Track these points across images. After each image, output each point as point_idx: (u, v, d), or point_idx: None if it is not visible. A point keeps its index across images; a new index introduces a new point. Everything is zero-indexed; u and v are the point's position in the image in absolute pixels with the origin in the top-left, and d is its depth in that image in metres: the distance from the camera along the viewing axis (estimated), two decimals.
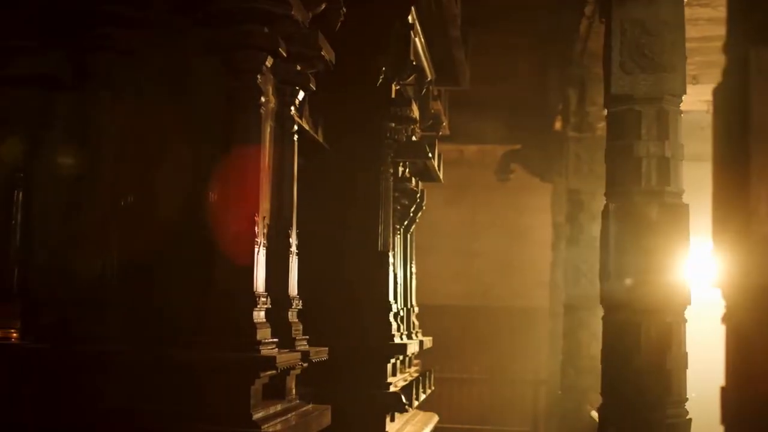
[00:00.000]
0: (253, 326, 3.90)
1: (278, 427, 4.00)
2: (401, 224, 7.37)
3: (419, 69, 6.84)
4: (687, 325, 5.02)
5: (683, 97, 5.13)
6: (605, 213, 5.12)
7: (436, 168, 7.98)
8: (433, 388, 8.16)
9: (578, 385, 10.03)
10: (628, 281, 4.90)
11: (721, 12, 8.82)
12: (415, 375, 7.50)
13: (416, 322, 8.05)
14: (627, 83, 4.97)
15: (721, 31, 9.65)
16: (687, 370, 4.99)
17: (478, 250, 17.26)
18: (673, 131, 5.00)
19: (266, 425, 3.87)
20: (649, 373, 4.85)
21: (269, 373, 3.97)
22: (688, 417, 4.98)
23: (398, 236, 7.20)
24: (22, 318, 4.47)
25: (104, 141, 4.12)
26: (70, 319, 4.05)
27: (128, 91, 4.14)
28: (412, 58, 6.59)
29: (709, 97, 10.76)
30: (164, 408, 3.87)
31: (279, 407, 4.24)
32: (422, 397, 7.27)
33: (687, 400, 4.99)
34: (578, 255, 10.12)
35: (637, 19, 5.03)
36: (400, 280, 7.12)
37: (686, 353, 4.99)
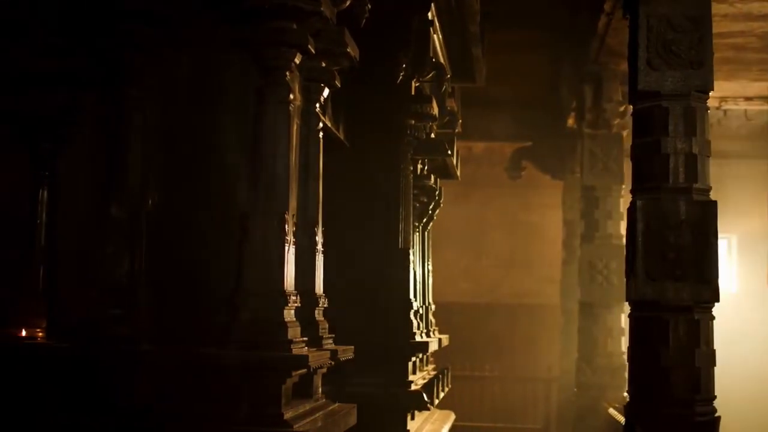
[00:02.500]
0: (284, 325, 3.87)
1: (308, 426, 3.97)
2: (420, 222, 7.35)
3: (439, 66, 6.81)
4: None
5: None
6: (631, 210, 5.09)
7: (455, 165, 7.95)
8: (450, 386, 8.14)
9: (594, 382, 9.99)
10: (656, 279, 4.87)
11: (738, 8, 8.75)
12: (433, 373, 7.48)
13: (433, 320, 8.03)
14: (654, 79, 4.93)
15: (736, 27, 9.57)
16: (715, 368, 4.96)
17: (487, 247, 17.23)
18: (700, 127, 4.97)
19: (297, 425, 3.85)
20: (677, 370, 4.82)
21: (300, 372, 3.95)
22: (716, 415, 4.96)
23: (416, 234, 7.17)
24: (49, 317, 4.45)
25: (132, 139, 4.09)
26: (97, 319, 4.02)
27: (156, 89, 4.11)
28: (431, 54, 6.55)
29: (722, 93, 10.67)
30: (195, 408, 3.84)
31: (307, 406, 4.21)
32: (441, 395, 7.25)
33: (715, 397, 4.96)
34: (593, 252, 10.08)
35: (663, 15, 4.99)
36: (418, 277, 7.10)
37: (714, 351, 4.96)
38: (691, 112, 4.95)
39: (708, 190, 4.97)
